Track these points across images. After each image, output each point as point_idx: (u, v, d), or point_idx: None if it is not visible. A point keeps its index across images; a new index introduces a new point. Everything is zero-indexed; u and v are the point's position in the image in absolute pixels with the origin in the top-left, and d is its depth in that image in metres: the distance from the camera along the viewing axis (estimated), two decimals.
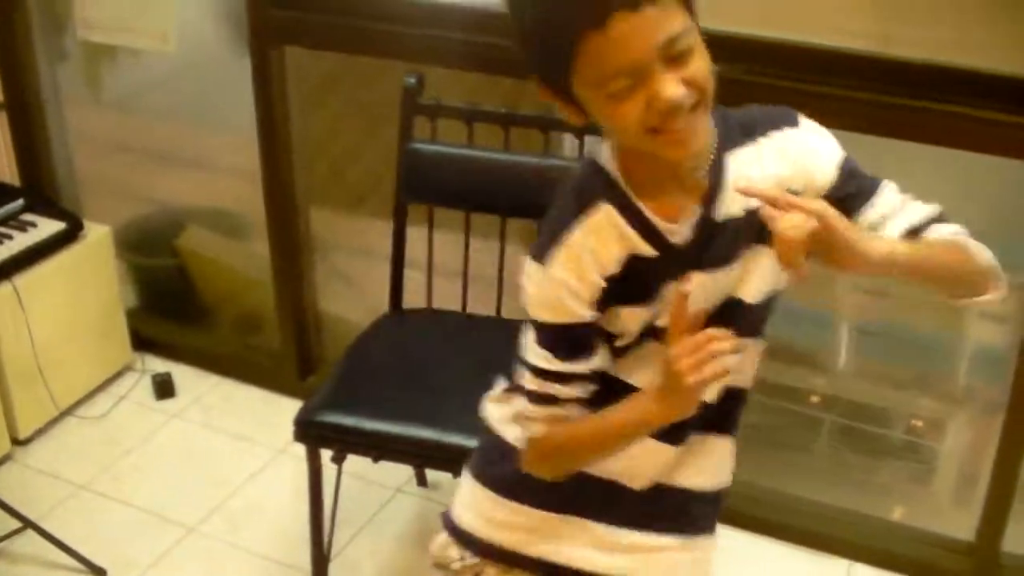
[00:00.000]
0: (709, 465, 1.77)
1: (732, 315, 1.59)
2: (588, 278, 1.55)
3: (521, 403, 1.66)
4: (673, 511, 1.78)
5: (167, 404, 3.49)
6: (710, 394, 1.64)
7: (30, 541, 2.93)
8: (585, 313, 1.57)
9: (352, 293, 3.54)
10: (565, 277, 1.55)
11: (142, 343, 3.64)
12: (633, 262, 1.56)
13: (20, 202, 3.34)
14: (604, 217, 1.55)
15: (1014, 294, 2.79)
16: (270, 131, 3.14)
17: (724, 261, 1.57)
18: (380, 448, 2.53)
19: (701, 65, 1.42)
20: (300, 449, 2.62)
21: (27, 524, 2.92)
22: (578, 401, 1.63)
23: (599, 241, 1.55)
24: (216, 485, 3.18)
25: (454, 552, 1.86)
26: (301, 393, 3.20)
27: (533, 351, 1.61)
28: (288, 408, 2.81)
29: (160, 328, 3.69)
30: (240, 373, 3.53)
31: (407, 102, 2.71)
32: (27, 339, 3.21)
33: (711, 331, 1.48)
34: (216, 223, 3.63)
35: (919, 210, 1.62)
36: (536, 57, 1.46)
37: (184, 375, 3.57)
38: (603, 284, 1.56)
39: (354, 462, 2.60)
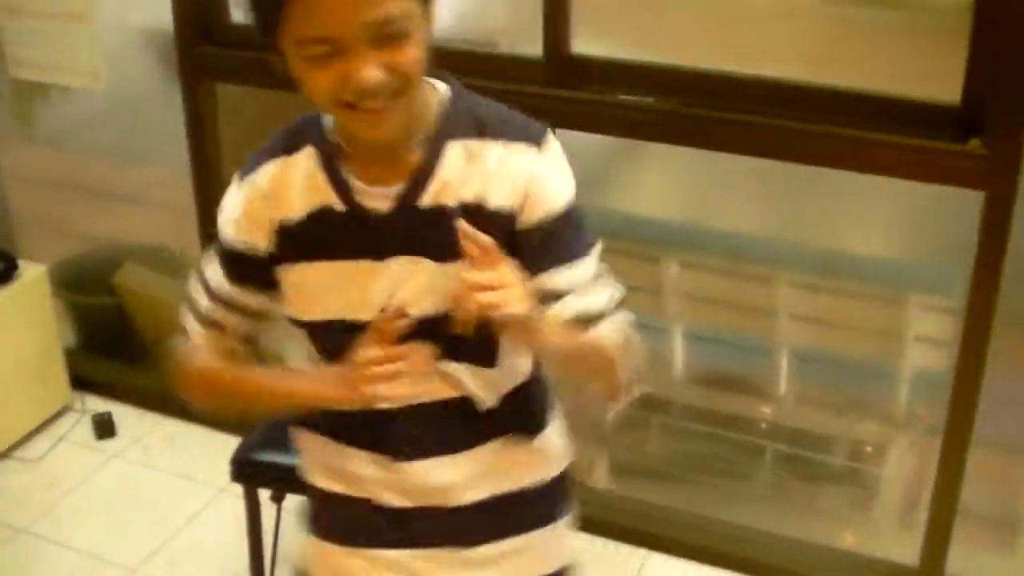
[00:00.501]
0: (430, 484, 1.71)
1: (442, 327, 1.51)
2: (265, 214, 1.56)
3: (189, 323, 1.65)
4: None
5: (107, 444, 3.44)
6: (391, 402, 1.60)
7: None
8: (255, 244, 1.58)
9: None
10: (244, 204, 1.57)
11: (81, 383, 3.59)
12: (320, 215, 1.55)
13: None
14: (303, 160, 1.55)
15: (950, 318, 2.83)
16: (204, 167, 3.12)
17: (452, 254, 1.48)
18: None
19: (412, 53, 1.40)
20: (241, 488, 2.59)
21: None
22: (244, 339, 1.64)
23: (287, 184, 1.56)
24: (158, 525, 3.14)
25: None
26: (242, 430, 3.16)
27: (209, 269, 1.63)
28: (230, 445, 2.78)
29: (99, 367, 3.65)
30: (181, 411, 3.48)
31: None
32: None
33: (407, 348, 1.48)
34: (153, 260, 3.60)
35: (597, 300, 1.56)
36: (255, 10, 1.44)
37: (125, 414, 3.53)
38: (278, 226, 1.56)
39: (295, 499, 2.57)
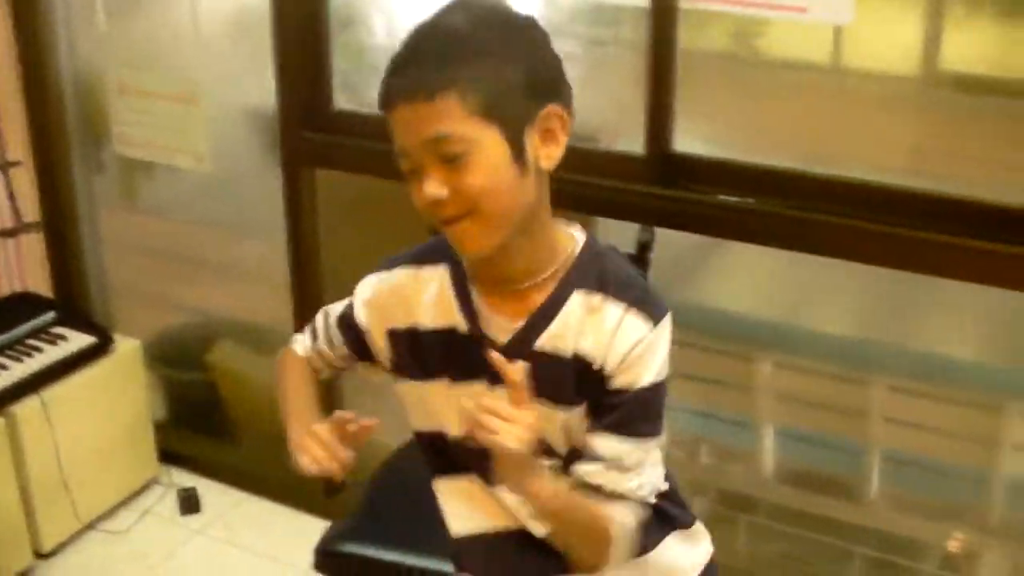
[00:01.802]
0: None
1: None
2: (385, 317, 1.72)
3: (307, 331, 1.90)
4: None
5: (191, 520, 3.46)
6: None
7: None
8: (362, 326, 1.76)
9: (383, 412, 3.51)
10: (373, 297, 1.74)
11: (169, 457, 3.62)
12: (447, 335, 1.65)
13: (51, 315, 3.35)
14: (437, 276, 1.67)
15: None
16: (300, 249, 3.16)
17: (552, 400, 1.59)
18: None
19: (475, 178, 1.48)
20: None
21: None
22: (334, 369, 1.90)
23: (414, 294, 1.68)
24: None
25: None
26: (328, 512, 3.18)
27: (337, 310, 1.83)
28: (314, 527, 2.78)
29: (188, 442, 3.68)
30: (266, 490, 3.50)
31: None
32: (53, 452, 3.20)
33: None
34: (247, 337, 3.63)
35: (627, 482, 1.61)
36: None
37: (210, 490, 3.54)
38: (394, 331, 1.70)
39: None
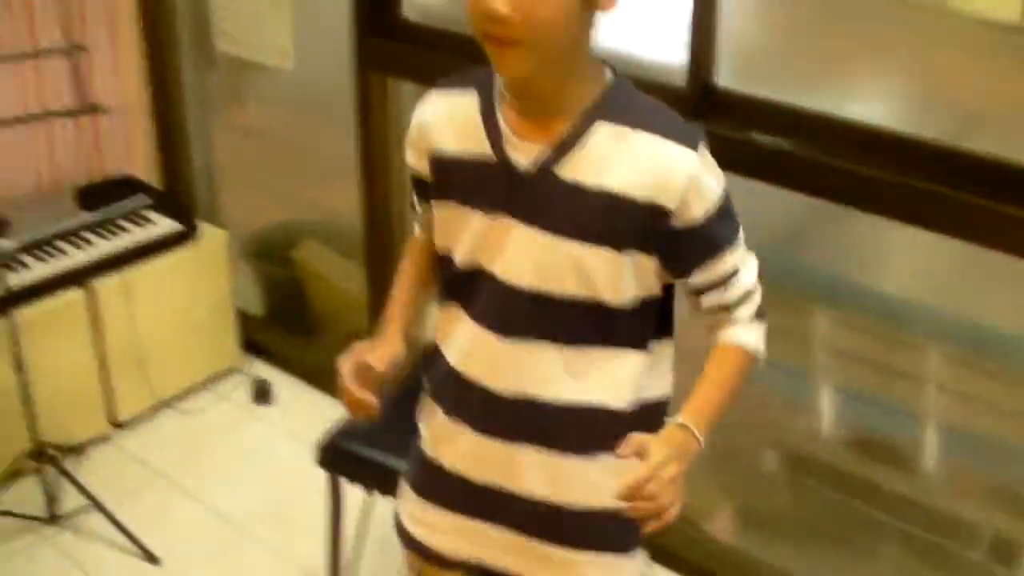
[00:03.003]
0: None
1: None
2: (423, 145, 1.73)
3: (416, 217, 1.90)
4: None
5: (261, 410, 3.60)
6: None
7: (99, 519, 3.09)
8: (416, 169, 1.76)
9: None
10: (413, 133, 1.75)
11: (252, 347, 3.77)
12: (473, 164, 1.66)
13: (145, 199, 3.52)
14: (467, 101, 1.68)
15: None
16: (369, 151, 3.20)
17: (568, 232, 1.61)
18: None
19: (549, 11, 1.47)
20: None
21: (94, 503, 3.09)
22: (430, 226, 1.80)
23: (447, 118, 1.70)
24: (280, 494, 3.27)
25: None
26: None
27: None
28: None
29: (270, 335, 3.82)
30: (334, 389, 3.58)
31: None
32: (132, 329, 3.39)
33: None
34: (332, 237, 3.72)
35: (747, 278, 1.72)
36: None
37: (285, 384, 3.68)
38: (433, 155, 1.71)
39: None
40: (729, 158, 2.53)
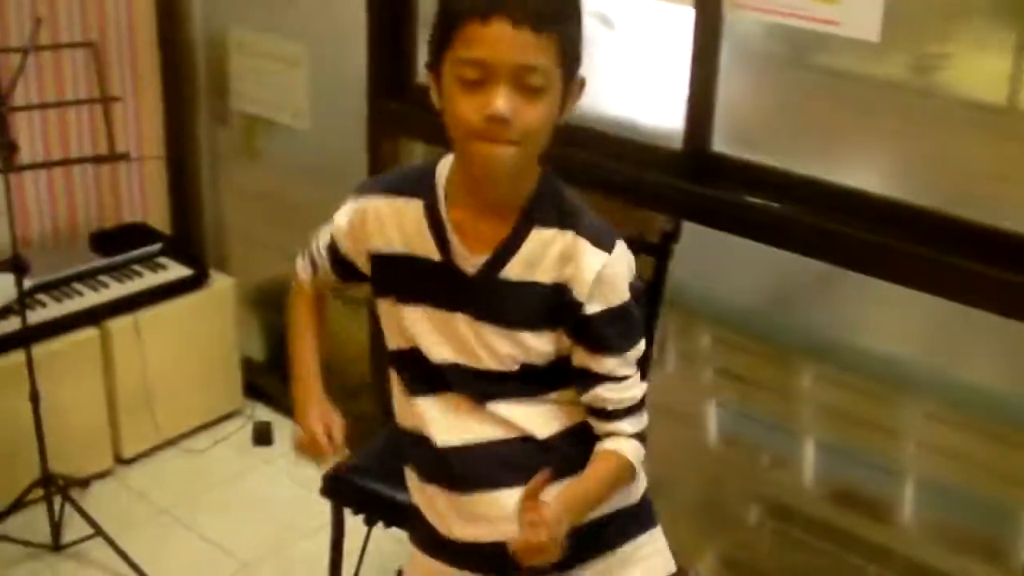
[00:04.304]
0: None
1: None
2: (364, 242, 1.87)
3: (304, 256, 2.10)
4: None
5: (262, 451, 3.73)
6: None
7: (101, 549, 3.19)
8: (345, 252, 1.93)
9: None
10: (352, 222, 1.89)
11: (254, 392, 3.91)
12: (419, 261, 1.81)
13: (158, 246, 3.67)
14: (412, 210, 1.82)
15: None
16: None
17: (504, 321, 1.79)
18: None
19: (540, 112, 1.65)
20: None
21: (98, 532, 3.20)
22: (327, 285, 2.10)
23: (391, 222, 1.83)
24: (283, 531, 3.38)
25: None
26: None
27: (325, 233, 1.99)
28: None
29: (272, 380, 3.94)
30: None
31: None
32: (141, 369, 3.52)
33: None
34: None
35: (629, 393, 1.86)
36: (433, 36, 1.70)
37: (285, 427, 3.79)
38: (374, 254, 1.86)
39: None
40: (722, 219, 2.75)
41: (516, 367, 1.81)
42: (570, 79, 1.70)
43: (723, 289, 3.06)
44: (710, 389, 3.18)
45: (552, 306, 1.78)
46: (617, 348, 1.83)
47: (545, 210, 1.78)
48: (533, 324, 1.79)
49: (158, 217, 3.92)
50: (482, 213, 1.78)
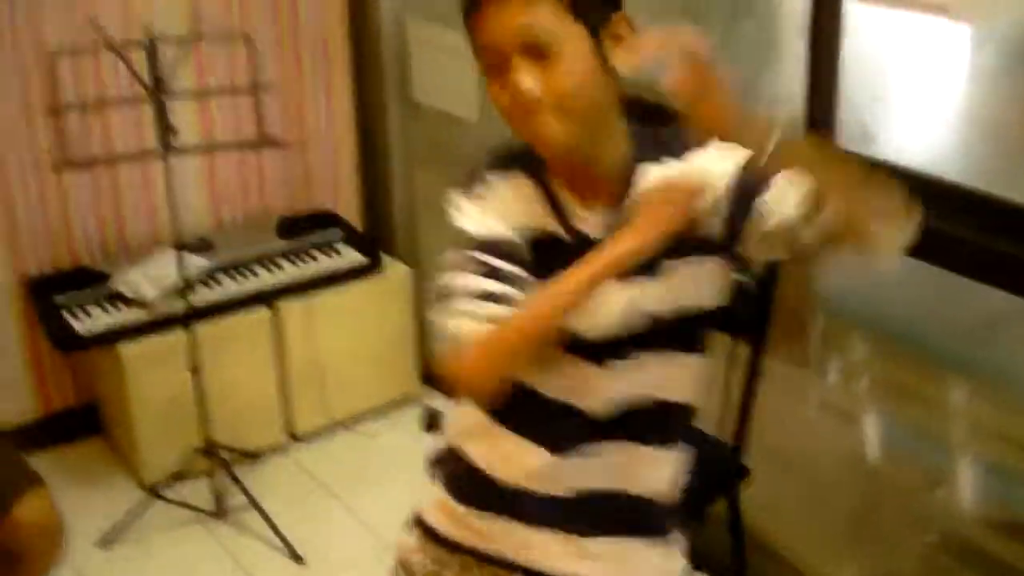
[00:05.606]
0: (620, 473, 1.81)
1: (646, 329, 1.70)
2: (500, 223, 1.68)
3: (464, 323, 1.63)
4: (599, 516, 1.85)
5: (431, 438, 3.78)
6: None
7: (259, 520, 3.37)
8: (508, 232, 1.68)
9: None
10: (483, 211, 1.69)
11: (432, 379, 3.98)
12: (546, 242, 1.69)
13: (338, 232, 3.82)
14: (522, 186, 1.71)
15: None
16: None
17: (640, 270, 1.64)
18: None
19: (566, 76, 1.57)
20: None
21: (253, 504, 3.37)
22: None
23: (518, 200, 1.71)
24: None
25: (417, 557, 2.03)
26: None
27: (461, 279, 1.64)
28: None
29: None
30: None
31: None
32: (314, 350, 3.68)
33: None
34: None
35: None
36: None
37: None
38: (510, 235, 1.67)
39: None
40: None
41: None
42: (591, 23, 1.59)
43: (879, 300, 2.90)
44: (869, 401, 3.01)
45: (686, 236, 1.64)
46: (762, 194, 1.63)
47: (644, 148, 1.69)
48: (682, 253, 1.67)
49: (350, 207, 4.07)
50: (586, 179, 1.69)
